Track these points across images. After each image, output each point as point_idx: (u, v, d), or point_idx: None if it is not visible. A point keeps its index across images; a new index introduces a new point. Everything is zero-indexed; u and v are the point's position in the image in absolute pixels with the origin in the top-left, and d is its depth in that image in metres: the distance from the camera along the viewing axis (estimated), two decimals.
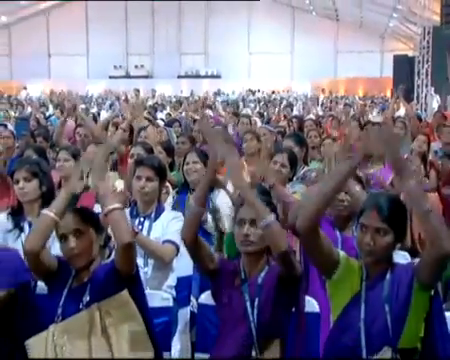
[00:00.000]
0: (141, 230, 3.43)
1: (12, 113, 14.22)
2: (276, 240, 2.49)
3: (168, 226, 3.45)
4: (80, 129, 6.55)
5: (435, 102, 15.92)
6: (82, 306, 2.63)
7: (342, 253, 2.57)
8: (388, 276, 2.47)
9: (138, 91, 19.01)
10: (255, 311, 2.58)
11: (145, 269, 3.33)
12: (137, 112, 6.65)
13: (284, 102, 20.11)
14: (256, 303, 2.58)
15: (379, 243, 2.42)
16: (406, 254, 3.70)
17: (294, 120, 8.62)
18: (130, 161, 4.73)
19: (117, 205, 2.65)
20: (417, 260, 2.59)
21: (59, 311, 2.64)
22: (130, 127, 6.45)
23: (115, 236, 2.65)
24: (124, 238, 2.58)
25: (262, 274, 2.64)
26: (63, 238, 2.68)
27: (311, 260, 2.68)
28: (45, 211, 2.68)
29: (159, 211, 3.55)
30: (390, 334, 2.39)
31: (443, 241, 2.29)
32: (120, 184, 4.43)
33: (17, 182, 3.46)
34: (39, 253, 2.63)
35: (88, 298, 2.64)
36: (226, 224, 4.02)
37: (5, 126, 8.64)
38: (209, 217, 4.00)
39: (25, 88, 29.30)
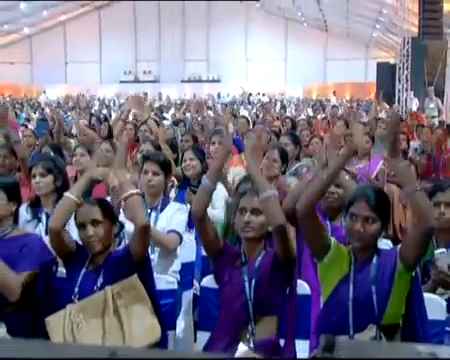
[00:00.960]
0: (148, 221, 3.41)
1: (33, 114, 14.21)
2: (274, 213, 2.48)
3: (172, 217, 3.43)
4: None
5: (414, 105, 15.99)
6: (96, 287, 2.64)
7: (333, 239, 2.56)
8: (375, 260, 2.47)
9: (146, 94, 19.04)
10: (252, 289, 2.58)
11: (152, 256, 3.31)
12: (140, 107, 6.65)
13: (278, 104, 20.07)
14: (253, 282, 2.59)
15: (368, 230, 2.43)
16: (388, 242, 3.67)
17: (287, 120, 8.64)
18: (139, 156, 4.72)
19: (135, 190, 2.68)
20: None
21: (76, 290, 2.65)
22: (135, 126, 6.46)
23: (133, 219, 2.66)
24: (141, 220, 2.61)
25: (259, 258, 2.64)
26: (82, 226, 2.69)
27: (306, 241, 2.68)
28: (67, 194, 2.72)
29: (165, 203, 3.52)
30: (376, 312, 2.39)
31: (428, 216, 2.33)
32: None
33: (34, 177, 3.46)
34: (61, 231, 2.66)
35: (102, 280, 2.66)
36: (222, 214, 4.01)
37: (26, 126, 8.68)
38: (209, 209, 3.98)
39: (44, 92, 29.26)
